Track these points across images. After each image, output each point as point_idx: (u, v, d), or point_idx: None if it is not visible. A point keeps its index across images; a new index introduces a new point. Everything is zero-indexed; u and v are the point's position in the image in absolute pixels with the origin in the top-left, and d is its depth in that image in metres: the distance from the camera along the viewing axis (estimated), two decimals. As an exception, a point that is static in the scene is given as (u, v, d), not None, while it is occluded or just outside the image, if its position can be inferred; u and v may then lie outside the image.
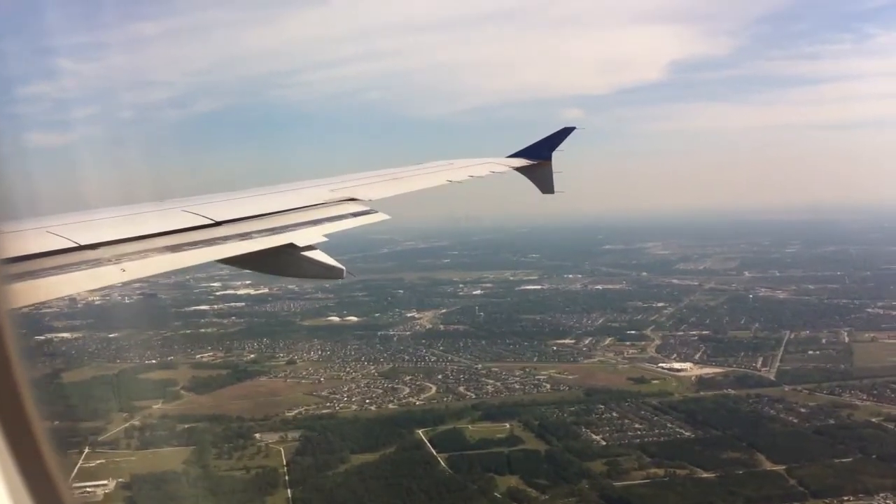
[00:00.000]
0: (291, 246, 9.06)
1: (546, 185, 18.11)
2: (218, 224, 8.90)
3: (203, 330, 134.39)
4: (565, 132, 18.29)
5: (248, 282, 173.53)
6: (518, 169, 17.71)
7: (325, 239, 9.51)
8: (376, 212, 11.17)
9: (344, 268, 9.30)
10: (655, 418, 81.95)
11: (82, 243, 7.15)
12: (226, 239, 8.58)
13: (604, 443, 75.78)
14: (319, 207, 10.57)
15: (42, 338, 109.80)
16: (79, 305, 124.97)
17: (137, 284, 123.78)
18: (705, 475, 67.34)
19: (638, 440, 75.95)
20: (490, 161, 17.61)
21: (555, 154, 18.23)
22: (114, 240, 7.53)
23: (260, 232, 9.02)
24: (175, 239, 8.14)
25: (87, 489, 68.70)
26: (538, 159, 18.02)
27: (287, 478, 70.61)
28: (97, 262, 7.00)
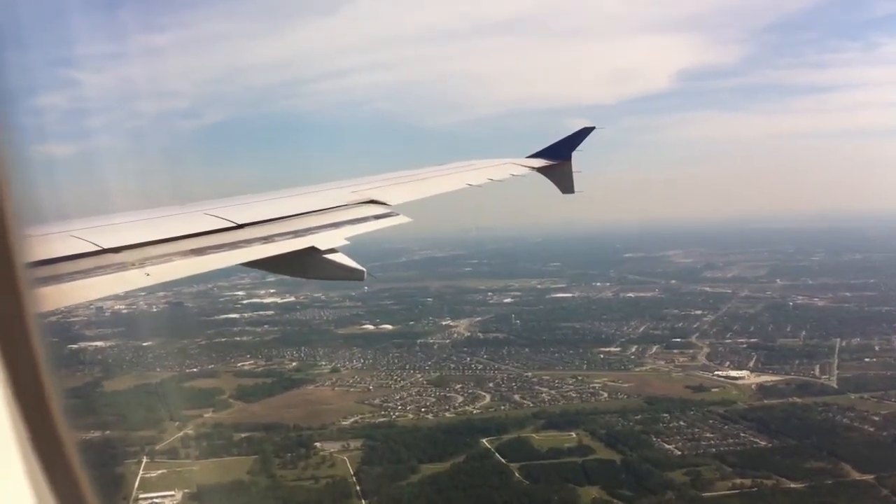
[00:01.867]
0: (313, 249, 9.02)
1: (566, 185, 18.17)
2: (240, 227, 8.76)
3: (238, 338, 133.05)
4: (585, 132, 18.32)
5: (272, 290, 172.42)
6: (538, 169, 17.72)
7: (346, 242, 9.45)
8: (398, 214, 11.04)
9: (365, 269, 9.28)
10: (725, 427, 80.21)
11: (105, 246, 7.05)
12: (249, 242, 8.48)
13: (678, 452, 74.00)
14: (340, 210, 10.45)
15: (75, 346, 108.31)
16: (106, 314, 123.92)
17: (162, 293, 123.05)
18: (793, 485, 65.55)
19: (713, 449, 74.24)
20: (509, 161, 17.47)
21: (576, 157, 18.33)
22: (137, 243, 7.44)
23: (282, 235, 8.96)
24: (198, 242, 8.06)
25: (155, 500, 67.19)
26: (558, 159, 18.10)
27: (358, 488, 68.95)
28: (122, 266, 6.93)
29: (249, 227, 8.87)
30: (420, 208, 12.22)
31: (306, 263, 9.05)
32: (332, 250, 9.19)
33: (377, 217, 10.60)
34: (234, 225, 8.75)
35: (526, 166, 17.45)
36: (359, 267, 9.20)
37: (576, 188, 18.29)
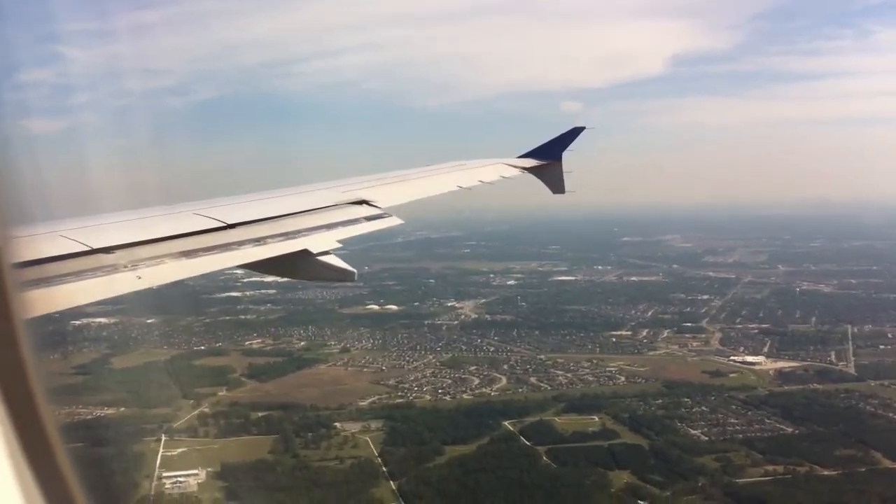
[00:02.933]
0: (305, 252, 8.91)
1: (557, 186, 18.07)
2: (230, 227, 8.62)
3: (242, 317, 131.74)
4: (575, 132, 18.14)
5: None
6: (528, 169, 17.59)
7: (338, 245, 9.33)
8: (390, 216, 10.99)
9: (355, 271, 9.16)
10: (749, 413, 79.75)
11: (95, 247, 6.91)
12: (240, 244, 8.39)
13: (705, 438, 73.43)
14: (331, 210, 10.39)
15: (78, 322, 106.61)
16: None
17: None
18: (826, 473, 65.08)
19: (740, 435, 73.69)
20: (500, 162, 17.37)
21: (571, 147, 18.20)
22: (126, 243, 7.30)
23: (273, 237, 8.86)
24: (188, 243, 7.93)
25: (179, 479, 66.03)
26: (548, 159, 17.98)
27: (385, 469, 67.97)
28: (113, 269, 6.81)
29: (240, 227, 8.69)
30: (410, 210, 12.21)
31: (298, 265, 8.96)
32: (325, 253, 9.09)
33: (369, 219, 10.53)
34: (225, 225, 8.56)
35: (516, 167, 17.36)
36: (349, 268, 9.08)
37: (567, 188, 18.16)
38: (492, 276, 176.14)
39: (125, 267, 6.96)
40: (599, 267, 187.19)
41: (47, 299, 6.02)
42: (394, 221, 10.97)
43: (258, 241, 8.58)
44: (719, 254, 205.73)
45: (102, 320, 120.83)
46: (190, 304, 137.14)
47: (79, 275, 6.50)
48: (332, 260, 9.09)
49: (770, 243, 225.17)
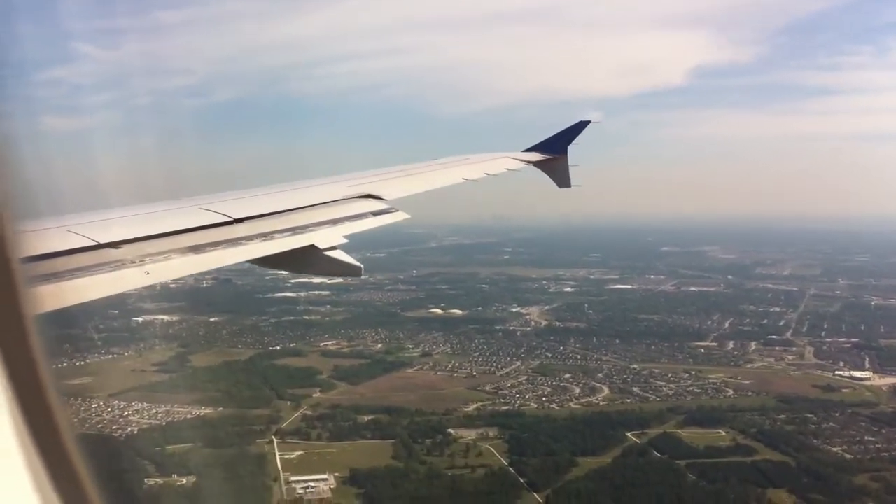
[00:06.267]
0: (312, 247, 8.74)
1: (562, 180, 17.84)
2: (237, 222, 8.47)
3: (306, 317, 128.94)
4: (581, 126, 17.93)
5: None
6: (534, 163, 17.36)
7: (345, 240, 9.10)
8: (396, 210, 10.81)
9: (362, 266, 8.96)
10: (883, 431, 76.17)
11: (102, 242, 6.81)
12: (248, 239, 8.23)
13: (849, 456, 69.73)
14: (338, 204, 10.25)
15: (140, 320, 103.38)
16: (157, 288, 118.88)
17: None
18: None
19: (885, 454, 70.17)
20: (505, 155, 17.12)
21: (573, 150, 17.87)
22: (133, 238, 7.13)
23: (281, 232, 8.69)
24: (196, 238, 7.75)
25: (310, 483, 62.67)
26: (553, 153, 17.74)
27: (522, 479, 64.47)
28: (121, 264, 6.72)
29: (247, 222, 8.58)
30: (416, 203, 11.94)
31: (305, 260, 8.78)
32: (332, 248, 8.91)
33: (375, 213, 10.38)
34: (232, 220, 8.46)
35: (521, 160, 17.11)
36: (356, 263, 8.93)
37: (572, 182, 17.90)
38: (544, 282, 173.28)
39: (133, 262, 6.82)
40: (651, 276, 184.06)
41: (55, 295, 5.88)
42: (400, 216, 10.73)
43: (265, 235, 8.44)
44: (769, 266, 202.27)
45: (164, 317, 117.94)
46: (246, 303, 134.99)
47: (87, 270, 6.40)
48: (340, 255, 8.84)
49: (813, 256, 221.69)
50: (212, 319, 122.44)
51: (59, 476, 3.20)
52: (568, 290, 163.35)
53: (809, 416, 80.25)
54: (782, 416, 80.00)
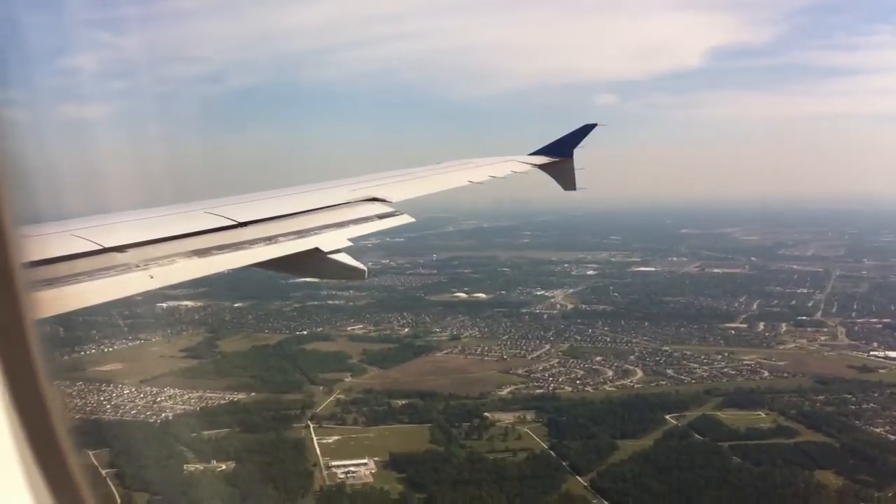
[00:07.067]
0: (317, 250, 8.66)
1: (568, 183, 17.70)
2: (242, 225, 8.37)
3: (330, 302, 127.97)
4: (587, 129, 17.78)
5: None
6: (540, 166, 17.35)
7: (349, 243, 9.02)
8: (402, 213, 10.74)
9: (366, 269, 8.99)
10: (925, 411, 75.19)
11: (106, 246, 6.80)
12: (252, 243, 8.11)
13: (893, 436, 68.86)
14: (342, 208, 10.16)
15: (164, 305, 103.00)
16: None
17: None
18: None
19: (930, 434, 69.26)
20: (510, 159, 17.24)
21: (587, 141, 17.68)
22: (137, 242, 7.09)
23: (285, 235, 8.60)
24: (200, 242, 7.66)
25: (350, 468, 62.27)
26: (559, 156, 17.61)
27: (565, 463, 63.84)
28: (124, 268, 6.69)
29: (251, 225, 8.47)
30: (421, 206, 12.05)
31: (309, 264, 8.70)
32: (337, 251, 8.87)
33: (380, 217, 10.37)
34: (236, 223, 8.33)
35: (528, 163, 17.14)
36: (361, 266, 8.91)
37: (578, 185, 17.72)
38: (566, 265, 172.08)
39: (137, 266, 6.78)
40: (674, 258, 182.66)
41: (58, 299, 5.80)
42: (405, 219, 10.64)
43: (270, 239, 8.35)
44: (791, 247, 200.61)
45: (188, 303, 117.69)
46: (267, 289, 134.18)
47: (90, 274, 6.31)
48: (344, 258, 8.80)
49: (839, 237, 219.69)
50: (236, 305, 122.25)
51: (57, 483, 3.15)
52: (591, 272, 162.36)
53: (848, 396, 79.20)
54: (821, 398, 79.06)
